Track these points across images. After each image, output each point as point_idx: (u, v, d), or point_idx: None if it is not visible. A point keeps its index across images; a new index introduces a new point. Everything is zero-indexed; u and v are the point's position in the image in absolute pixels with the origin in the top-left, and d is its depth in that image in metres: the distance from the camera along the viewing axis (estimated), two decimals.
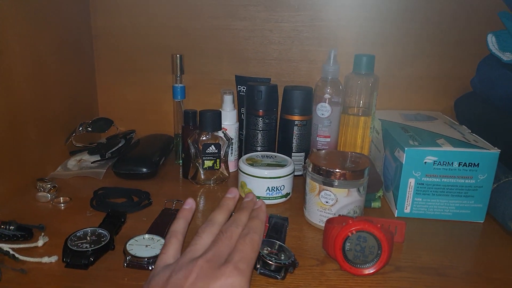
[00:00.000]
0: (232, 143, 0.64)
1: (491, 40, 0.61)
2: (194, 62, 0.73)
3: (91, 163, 0.62)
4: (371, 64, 0.64)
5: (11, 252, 0.40)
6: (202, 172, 0.60)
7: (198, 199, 0.57)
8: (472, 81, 0.67)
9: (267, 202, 0.55)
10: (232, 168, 0.66)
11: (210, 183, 0.61)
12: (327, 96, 0.64)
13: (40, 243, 0.43)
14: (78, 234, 0.43)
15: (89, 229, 0.44)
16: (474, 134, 0.57)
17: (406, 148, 0.51)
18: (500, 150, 0.50)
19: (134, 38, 0.73)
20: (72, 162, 0.63)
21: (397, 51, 0.71)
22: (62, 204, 0.53)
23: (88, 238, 0.43)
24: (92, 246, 0.41)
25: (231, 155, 0.65)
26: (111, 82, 0.76)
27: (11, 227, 0.43)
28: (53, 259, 0.41)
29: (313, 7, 0.69)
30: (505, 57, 0.58)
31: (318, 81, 0.65)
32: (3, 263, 0.40)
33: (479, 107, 0.64)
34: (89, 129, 0.67)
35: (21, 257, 0.40)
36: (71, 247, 0.41)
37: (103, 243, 0.42)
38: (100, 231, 0.44)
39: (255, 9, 0.70)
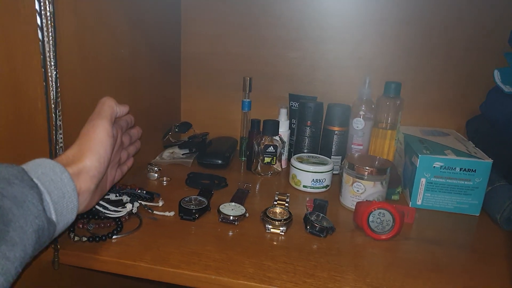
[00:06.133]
0: (285, 146, 0.83)
1: (496, 74, 0.77)
2: (257, 82, 0.93)
3: (182, 154, 0.84)
4: (398, 89, 0.81)
5: (147, 207, 0.61)
6: (262, 166, 0.80)
7: (257, 185, 0.76)
8: (481, 106, 0.83)
9: (312, 190, 0.74)
10: (283, 165, 0.85)
11: (267, 175, 0.81)
12: (361, 112, 0.82)
13: (160, 203, 0.64)
14: (186, 199, 0.63)
15: (192, 197, 0.64)
16: (477, 148, 0.73)
17: (420, 155, 0.68)
18: (492, 160, 0.66)
19: (213, 61, 0.95)
20: (166, 154, 0.85)
21: (420, 79, 0.88)
22: (165, 182, 0.74)
23: (192, 202, 0.63)
24: (197, 207, 0.61)
25: (283, 155, 0.84)
26: (193, 95, 0.98)
27: (144, 191, 0.64)
28: (172, 213, 0.61)
29: (353, 42, 0.88)
30: (506, 88, 0.74)
31: (355, 100, 0.83)
32: (141, 213, 0.61)
33: (484, 127, 0.79)
34: (176, 130, 0.89)
35: (154, 211, 0.61)
36: (184, 206, 0.61)
37: (204, 205, 0.62)
38: (200, 198, 0.64)
39: (306, 43, 0.89)
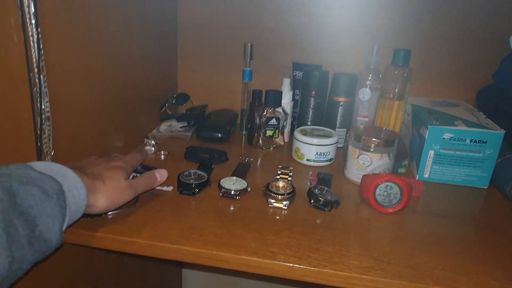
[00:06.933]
0: (287, 118, 0.80)
1: None
2: (259, 50, 0.89)
3: (180, 127, 0.81)
4: (407, 57, 0.77)
5: None
6: (264, 139, 0.77)
7: (259, 159, 0.74)
8: (494, 75, 0.79)
9: (315, 164, 0.71)
10: (285, 139, 0.82)
11: (269, 149, 0.78)
12: (368, 82, 0.78)
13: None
14: (185, 173, 0.61)
15: (192, 171, 0.62)
16: (488, 119, 0.70)
17: (429, 126, 0.65)
18: (504, 131, 0.63)
19: (212, 29, 0.90)
20: (163, 127, 0.82)
21: (430, 47, 0.84)
22: (162, 156, 0.72)
23: (192, 176, 0.60)
24: (196, 181, 0.59)
25: (286, 128, 0.81)
26: (190, 65, 0.93)
27: (140, 165, 0.62)
28: (170, 188, 0.59)
29: (361, 7, 0.83)
30: None
31: (361, 69, 0.79)
32: None
33: (496, 96, 0.76)
34: (173, 102, 0.85)
35: None
36: (183, 180, 0.59)
37: (204, 180, 0.59)
38: (200, 172, 0.61)
39: (312, 8, 0.84)
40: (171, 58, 0.90)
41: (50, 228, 0.37)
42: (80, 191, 0.41)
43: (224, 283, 1.12)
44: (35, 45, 0.44)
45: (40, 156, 0.48)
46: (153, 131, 0.81)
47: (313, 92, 0.77)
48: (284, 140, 0.80)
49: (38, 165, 0.41)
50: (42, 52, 0.46)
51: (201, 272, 1.11)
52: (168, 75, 0.90)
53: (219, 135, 0.78)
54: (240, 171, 0.64)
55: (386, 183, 0.56)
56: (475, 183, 0.66)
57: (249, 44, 0.80)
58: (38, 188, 0.37)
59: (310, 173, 0.68)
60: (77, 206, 0.41)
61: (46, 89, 0.47)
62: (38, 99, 0.46)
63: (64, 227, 0.40)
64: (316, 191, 0.57)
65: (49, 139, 0.49)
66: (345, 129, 0.79)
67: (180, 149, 0.74)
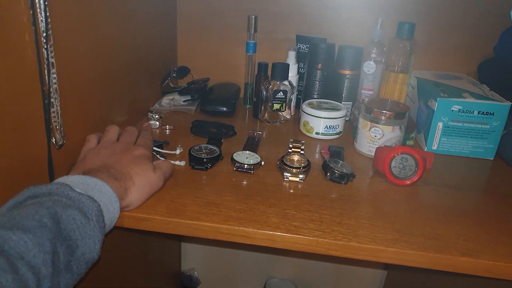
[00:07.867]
0: (294, 91, 0.78)
1: None
2: (261, 22, 0.85)
3: (183, 101, 0.78)
4: (412, 30, 0.76)
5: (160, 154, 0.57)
6: (270, 113, 0.75)
7: (266, 133, 0.73)
8: (495, 48, 0.79)
9: (324, 137, 0.71)
10: (292, 112, 0.81)
11: (275, 123, 0.77)
12: (373, 55, 0.77)
13: (177, 151, 0.60)
14: (195, 148, 0.59)
15: (202, 145, 0.60)
16: (492, 91, 0.70)
17: (438, 99, 0.65)
18: (511, 103, 0.64)
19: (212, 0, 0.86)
20: (165, 101, 0.79)
21: (434, 21, 0.83)
22: (167, 130, 0.69)
23: (203, 150, 0.59)
24: (208, 156, 0.57)
25: (292, 102, 0.80)
26: (190, 37, 0.89)
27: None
28: (182, 163, 0.57)
29: None
30: None
31: (366, 42, 0.78)
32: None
33: (498, 69, 0.77)
34: (174, 75, 0.82)
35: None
36: (194, 155, 0.57)
37: (216, 154, 0.58)
38: (211, 147, 0.60)
39: None
40: (170, 30, 0.86)
41: (92, 249, 0.37)
42: (114, 205, 0.42)
43: (223, 256, 1.13)
44: (42, 12, 0.41)
45: (49, 133, 0.46)
46: (155, 105, 0.78)
47: (320, 65, 0.76)
48: (290, 114, 0.78)
49: (74, 181, 0.40)
50: (49, 20, 0.42)
51: (200, 246, 1.11)
52: (167, 47, 0.86)
53: (225, 109, 0.76)
54: (251, 145, 0.63)
55: (402, 155, 0.56)
56: (481, 155, 0.67)
57: (253, 16, 0.77)
58: (79, 211, 0.37)
59: (318, 146, 0.68)
60: (112, 220, 0.42)
61: (53, 60, 0.44)
62: (46, 70, 0.43)
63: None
64: (332, 164, 0.57)
65: (58, 114, 0.46)
66: (351, 102, 0.79)
67: (184, 123, 0.72)
